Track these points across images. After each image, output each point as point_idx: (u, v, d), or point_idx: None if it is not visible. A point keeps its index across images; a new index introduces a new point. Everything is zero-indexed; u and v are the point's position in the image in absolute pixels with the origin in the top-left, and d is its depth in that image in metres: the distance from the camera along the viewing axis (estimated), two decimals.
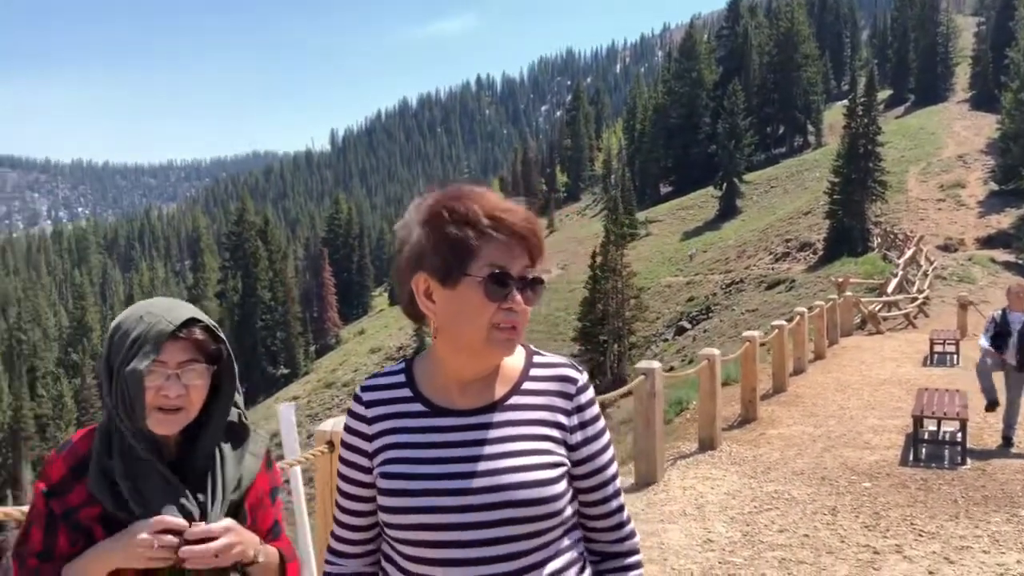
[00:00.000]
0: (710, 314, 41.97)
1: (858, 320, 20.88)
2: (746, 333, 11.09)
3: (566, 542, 1.54)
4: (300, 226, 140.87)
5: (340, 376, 64.42)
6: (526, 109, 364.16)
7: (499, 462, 1.48)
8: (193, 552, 1.62)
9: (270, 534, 1.83)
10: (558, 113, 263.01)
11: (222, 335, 1.72)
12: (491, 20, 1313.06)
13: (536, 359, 1.59)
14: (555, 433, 1.53)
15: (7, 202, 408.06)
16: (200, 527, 1.64)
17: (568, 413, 1.56)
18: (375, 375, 1.64)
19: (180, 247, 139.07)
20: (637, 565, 1.62)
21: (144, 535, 1.60)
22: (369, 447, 1.56)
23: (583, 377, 1.58)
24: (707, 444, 8.94)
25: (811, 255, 43.94)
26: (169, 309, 1.67)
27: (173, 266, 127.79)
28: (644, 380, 7.69)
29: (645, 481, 7.64)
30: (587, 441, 1.56)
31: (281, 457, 3.19)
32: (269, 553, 1.77)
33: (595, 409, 1.58)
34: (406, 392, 1.58)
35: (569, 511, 1.53)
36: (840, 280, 23.49)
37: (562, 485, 1.50)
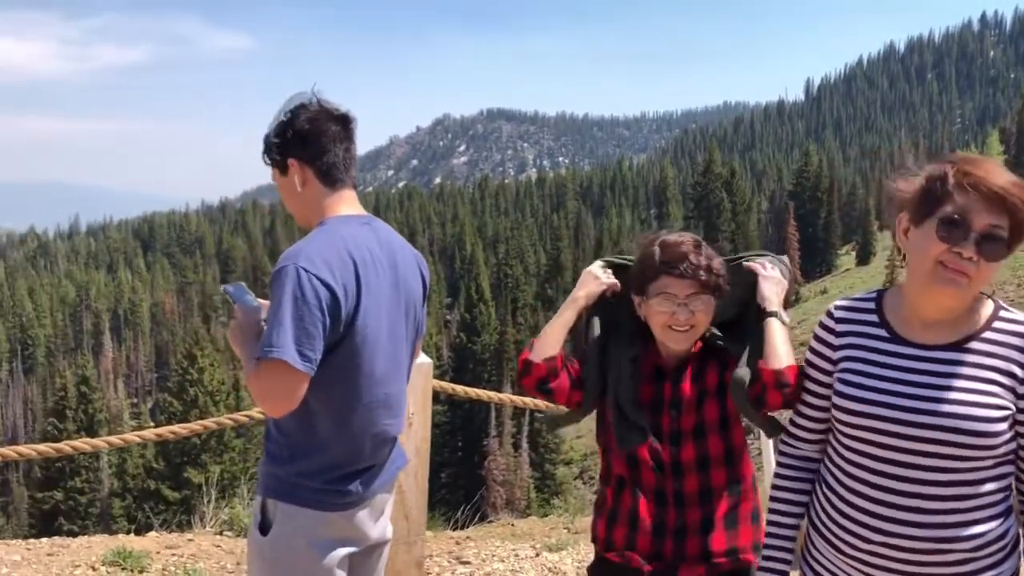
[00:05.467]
0: None
1: None
2: None
3: (995, 472, 1.73)
4: (766, 178, 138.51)
5: (797, 335, 62.65)
6: None
7: (947, 394, 1.71)
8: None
9: None
10: None
11: (722, 273, 2.13)
12: None
13: (1003, 314, 1.80)
14: (1006, 380, 1.73)
15: (502, 151, 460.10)
16: None
17: (1023, 366, 1.74)
18: (848, 298, 1.96)
19: (647, 196, 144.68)
20: None
21: (593, 270, 2.25)
22: (833, 355, 1.90)
23: None
24: None
25: None
26: None
27: (640, 214, 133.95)
28: None
29: None
30: None
31: None
32: None
33: None
34: (873, 318, 1.88)
35: (1004, 449, 1.72)
36: None
37: (1001, 426, 1.69)
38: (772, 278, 2.15)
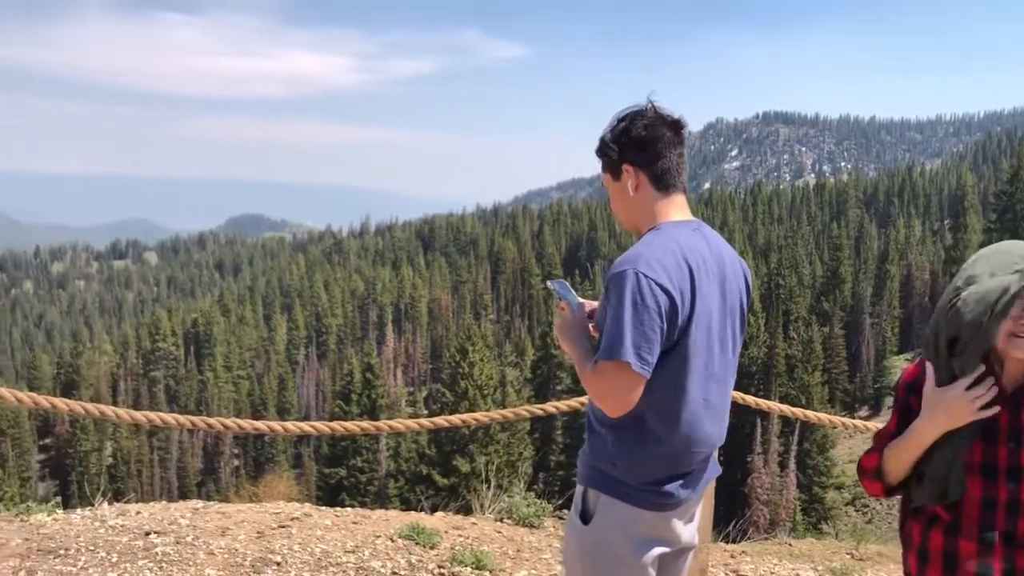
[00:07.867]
0: None
1: None
2: None
3: None
4: None
5: None
6: None
7: None
8: None
9: None
10: None
11: None
12: None
13: None
14: None
15: (777, 155, 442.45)
16: None
17: None
18: None
19: (940, 205, 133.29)
20: None
21: (958, 393, 1.88)
22: None
23: None
24: None
25: None
26: None
27: (931, 225, 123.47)
28: None
29: None
30: None
31: None
32: None
33: None
34: None
35: None
36: None
37: None
38: None
